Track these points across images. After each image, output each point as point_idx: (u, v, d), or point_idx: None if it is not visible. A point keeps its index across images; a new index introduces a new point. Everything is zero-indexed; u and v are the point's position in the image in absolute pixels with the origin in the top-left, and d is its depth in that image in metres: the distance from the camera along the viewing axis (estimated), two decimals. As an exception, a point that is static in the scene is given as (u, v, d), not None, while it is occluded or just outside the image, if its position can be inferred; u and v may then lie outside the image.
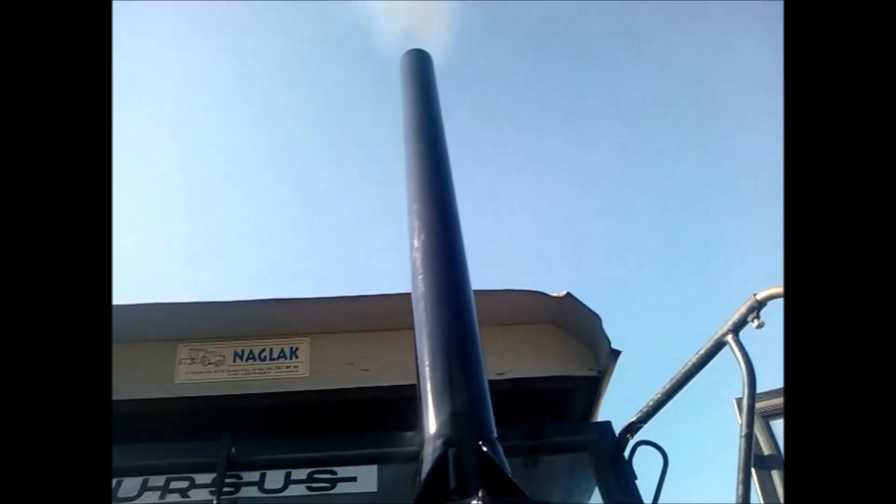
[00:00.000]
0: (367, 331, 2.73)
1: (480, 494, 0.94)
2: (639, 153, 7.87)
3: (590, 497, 2.57)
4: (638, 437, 2.38)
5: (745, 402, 1.86)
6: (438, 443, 1.07)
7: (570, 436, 2.60)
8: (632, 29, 6.92)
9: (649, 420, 2.33)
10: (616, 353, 2.57)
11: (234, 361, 2.63)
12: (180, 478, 2.33)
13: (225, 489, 2.25)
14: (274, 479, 2.35)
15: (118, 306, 2.46)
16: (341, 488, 2.33)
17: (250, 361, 2.63)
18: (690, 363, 2.10)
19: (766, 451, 2.33)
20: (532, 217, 8.24)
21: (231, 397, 2.55)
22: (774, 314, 1.81)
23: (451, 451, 1.05)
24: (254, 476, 2.34)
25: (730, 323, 1.91)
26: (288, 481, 2.34)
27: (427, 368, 1.19)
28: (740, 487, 1.84)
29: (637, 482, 2.36)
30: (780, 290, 1.74)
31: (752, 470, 1.93)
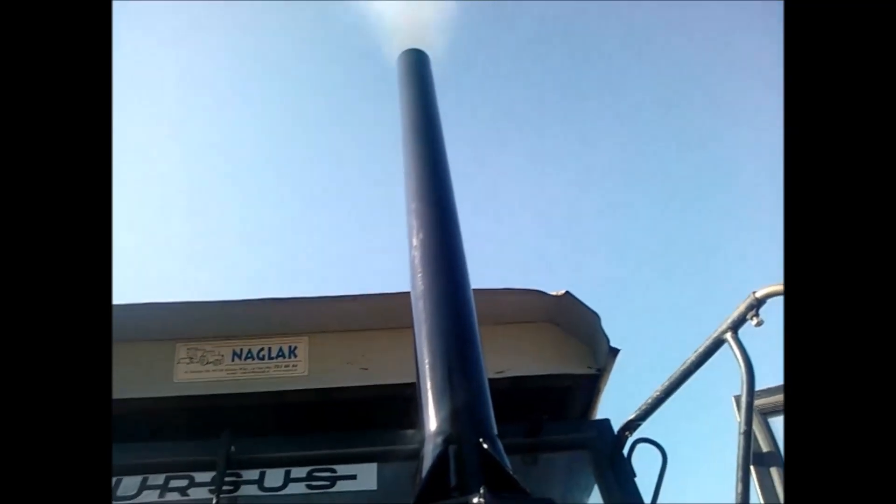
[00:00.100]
0: (365, 329, 2.73)
1: (482, 491, 0.94)
2: (639, 153, 7.88)
3: (589, 494, 2.57)
4: (637, 434, 2.38)
5: (743, 400, 1.86)
6: (439, 440, 1.08)
7: (569, 433, 2.61)
8: (633, 28, 6.93)
9: (648, 418, 2.33)
10: (615, 352, 2.58)
11: (233, 360, 2.63)
12: (180, 476, 2.33)
13: (224, 487, 2.25)
14: (273, 477, 2.35)
15: (117, 305, 2.45)
16: (341, 486, 2.34)
17: (249, 360, 2.63)
18: (689, 361, 2.10)
19: (764, 448, 2.33)
20: (531, 216, 8.25)
21: (230, 396, 2.55)
22: (774, 312, 1.81)
23: (451, 449, 1.06)
24: (253, 474, 2.35)
25: (729, 321, 1.92)
26: (287, 479, 2.35)
27: (427, 366, 1.20)
28: (739, 485, 1.85)
29: (636, 480, 2.37)
30: (780, 287, 1.74)
31: (751, 467, 1.93)
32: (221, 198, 8.15)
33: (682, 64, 7.24)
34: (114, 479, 2.28)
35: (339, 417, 2.60)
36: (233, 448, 2.31)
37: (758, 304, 1.84)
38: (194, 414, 2.54)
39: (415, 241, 1.44)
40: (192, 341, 2.66)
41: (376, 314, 2.70)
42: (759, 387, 1.90)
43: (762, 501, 2.24)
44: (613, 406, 2.75)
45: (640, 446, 2.37)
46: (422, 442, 1.13)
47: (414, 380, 1.27)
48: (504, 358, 2.60)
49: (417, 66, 1.99)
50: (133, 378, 2.52)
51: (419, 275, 1.36)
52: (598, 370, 2.65)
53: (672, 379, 2.18)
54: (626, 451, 2.39)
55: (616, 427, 2.46)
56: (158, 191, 7.90)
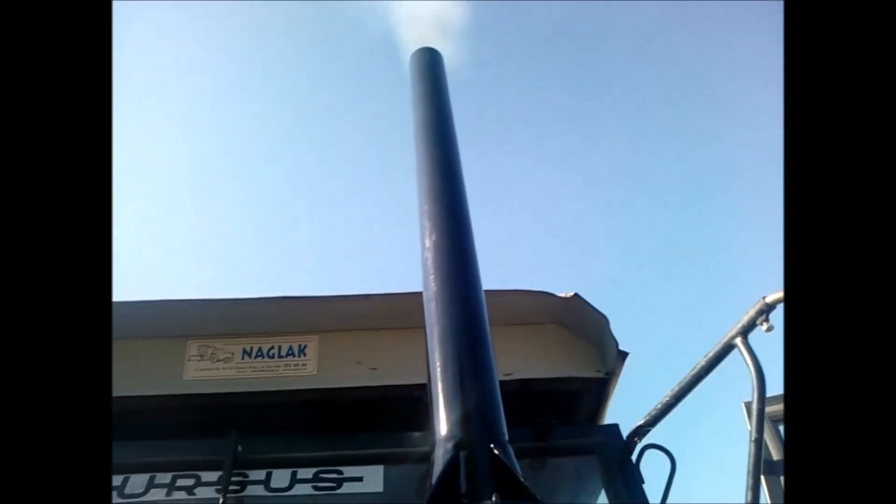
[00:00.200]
0: (375, 329, 2.72)
1: (493, 499, 0.93)
2: (652, 154, 7.86)
3: (597, 500, 2.56)
4: (646, 440, 2.37)
5: (754, 407, 1.84)
6: (449, 445, 1.07)
7: (578, 438, 2.59)
8: (636, 29, 6.90)
9: (657, 423, 2.32)
10: (624, 355, 2.56)
11: (243, 359, 2.63)
12: (187, 475, 2.33)
13: (231, 487, 2.25)
14: (280, 477, 2.35)
15: (128, 303, 2.47)
16: (347, 488, 2.33)
17: (259, 359, 2.63)
18: (699, 366, 2.09)
19: (775, 456, 2.31)
20: (540, 217, 8.23)
21: (239, 395, 2.55)
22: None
23: (462, 454, 1.04)
24: (260, 475, 2.34)
25: (739, 325, 1.90)
26: (294, 480, 2.34)
27: (438, 370, 1.19)
28: (749, 493, 1.83)
29: (644, 486, 2.35)
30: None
31: (762, 476, 1.91)
32: (231, 196, 8.18)
33: (683, 64, 7.23)
34: (121, 477, 2.29)
35: (348, 417, 2.60)
36: (240, 448, 2.31)
37: (768, 309, 1.82)
38: (203, 412, 2.54)
39: (427, 243, 1.43)
40: (204, 339, 2.67)
41: (386, 314, 2.70)
42: (769, 393, 1.88)
43: (772, 510, 2.22)
44: (622, 410, 2.75)
45: (648, 452, 2.35)
46: (431, 445, 1.12)
47: (423, 381, 1.26)
48: (512, 360, 2.59)
49: (430, 65, 1.98)
50: (143, 375, 2.53)
51: (431, 276, 1.35)
52: (607, 374, 2.64)
53: (682, 384, 2.17)
54: (634, 457, 2.38)
55: (625, 432, 2.45)
56: (168, 189, 7.92)
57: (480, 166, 6.83)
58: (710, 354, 2.04)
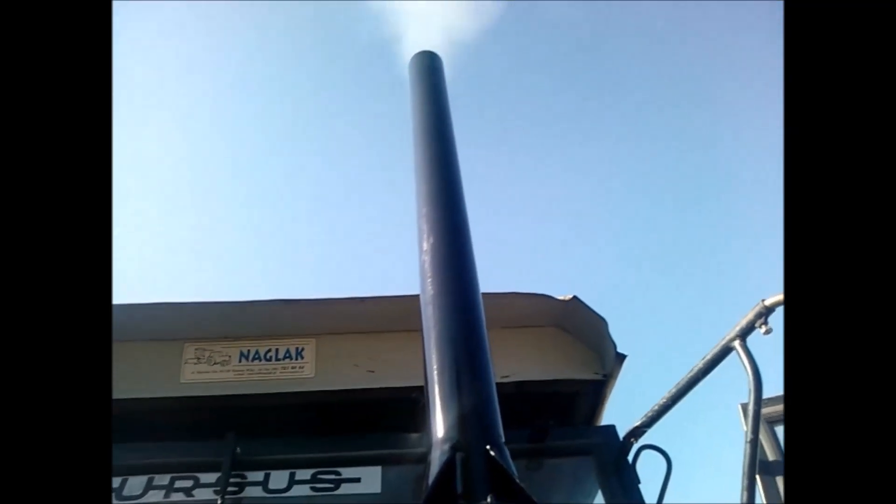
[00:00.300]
0: (372, 332, 2.73)
1: (489, 500, 0.93)
2: (652, 155, 7.86)
3: (593, 501, 2.57)
4: (642, 441, 2.38)
5: (750, 408, 1.85)
6: (446, 447, 1.07)
7: (574, 439, 2.59)
8: (638, 29, 6.92)
9: (654, 424, 2.32)
10: (622, 357, 2.57)
11: (240, 361, 2.63)
12: (185, 477, 2.33)
13: (229, 489, 2.26)
14: (278, 479, 2.35)
15: (125, 305, 2.48)
16: (345, 489, 2.34)
17: (256, 361, 2.64)
18: (697, 368, 2.09)
19: (770, 456, 2.32)
20: (540, 218, 8.23)
21: (236, 397, 2.55)
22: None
23: (458, 456, 1.05)
24: (258, 476, 2.35)
25: (737, 328, 1.91)
26: (292, 481, 2.35)
27: (435, 372, 1.19)
28: (745, 494, 1.84)
29: (640, 487, 2.36)
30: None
31: (757, 476, 1.92)
32: (230, 198, 8.17)
33: (683, 64, 7.24)
34: (119, 479, 2.29)
35: (346, 419, 2.60)
36: (238, 449, 2.31)
37: (766, 312, 1.83)
38: (200, 414, 2.55)
39: (425, 246, 1.44)
40: (200, 342, 2.67)
41: (384, 317, 2.70)
42: (766, 395, 1.89)
43: (767, 511, 2.22)
44: (618, 412, 2.75)
45: (644, 453, 2.36)
46: (428, 447, 1.13)
47: (421, 383, 1.27)
48: (510, 362, 2.60)
49: (430, 68, 1.99)
50: (140, 378, 2.53)
51: (429, 280, 1.36)
52: (605, 376, 2.64)
53: (679, 386, 2.17)
54: (630, 457, 2.38)
55: (621, 434, 2.45)
56: (167, 190, 7.92)
57: (480, 167, 6.85)
58: (708, 357, 2.05)
